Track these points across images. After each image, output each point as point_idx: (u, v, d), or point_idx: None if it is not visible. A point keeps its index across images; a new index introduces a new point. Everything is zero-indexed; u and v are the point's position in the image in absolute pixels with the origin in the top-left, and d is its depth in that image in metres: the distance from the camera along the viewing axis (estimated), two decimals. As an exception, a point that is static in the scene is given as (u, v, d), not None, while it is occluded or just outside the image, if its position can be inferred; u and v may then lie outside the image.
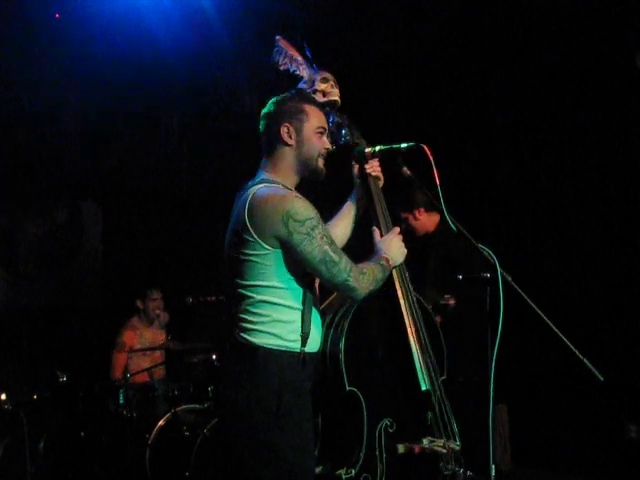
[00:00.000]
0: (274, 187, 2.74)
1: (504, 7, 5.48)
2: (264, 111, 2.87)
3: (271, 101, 2.87)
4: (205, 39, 5.89)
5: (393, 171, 3.00)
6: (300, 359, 2.73)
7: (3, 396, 5.15)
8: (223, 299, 5.77)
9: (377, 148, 3.03)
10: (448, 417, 3.16)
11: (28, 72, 5.97)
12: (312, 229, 2.63)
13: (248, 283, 2.70)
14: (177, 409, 5.19)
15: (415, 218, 4.86)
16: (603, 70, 5.43)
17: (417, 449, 3.04)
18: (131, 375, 5.62)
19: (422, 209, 4.82)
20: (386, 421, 3.02)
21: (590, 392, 5.28)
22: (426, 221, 4.85)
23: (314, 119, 2.84)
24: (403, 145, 2.93)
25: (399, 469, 3.01)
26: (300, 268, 2.71)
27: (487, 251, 2.84)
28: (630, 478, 5.01)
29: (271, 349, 2.68)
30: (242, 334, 2.72)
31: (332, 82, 3.08)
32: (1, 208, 7.00)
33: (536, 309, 2.83)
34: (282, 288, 2.70)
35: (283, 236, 2.63)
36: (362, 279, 2.72)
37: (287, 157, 2.82)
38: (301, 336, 2.73)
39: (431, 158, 2.84)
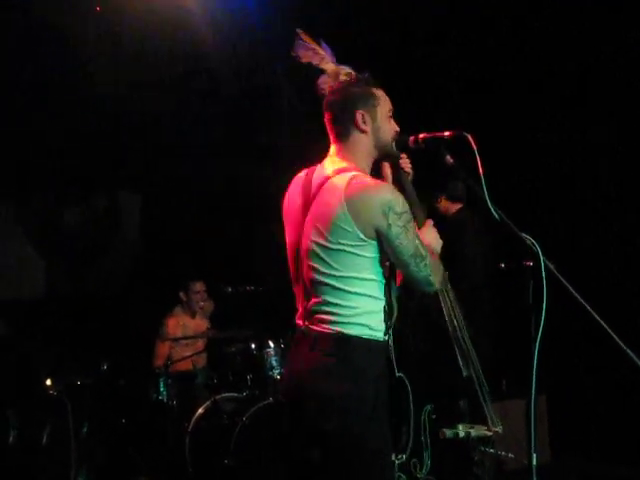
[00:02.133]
0: (363, 176, 2.70)
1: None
2: (330, 99, 2.85)
3: (335, 88, 2.86)
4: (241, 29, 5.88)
5: (436, 160, 2.98)
6: (383, 349, 2.73)
7: (48, 381, 5.24)
8: (261, 289, 5.84)
9: (421, 136, 3.02)
10: (485, 404, 3.19)
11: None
12: (408, 222, 2.63)
13: (341, 274, 2.64)
14: (217, 397, 5.25)
15: (437, 202, 5.57)
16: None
17: (461, 434, 3.10)
18: (172, 363, 5.69)
19: (444, 196, 5.52)
20: (428, 407, 3.05)
21: (633, 382, 5.26)
22: (445, 208, 5.55)
23: (385, 102, 2.84)
24: (446, 133, 2.92)
25: (441, 454, 3.05)
26: (385, 260, 2.70)
27: (530, 240, 2.82)
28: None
29: (366, 339, 2.65)
30: (331, 326, 2.65)
31: (351, 78, 3.02)
32: (39, 197, 7.10)
33: (579, 298, 2.81)
34: (373, 280, 2.67)
35: (382, 227, 2.60)
36: (437, 273, 2.75)
37: (364, 143, 2.81)
38: (385, 326, 2.72)
39: (474, 147, 2.82)
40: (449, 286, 3.20)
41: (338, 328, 2.65)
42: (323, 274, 2.67)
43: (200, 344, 6.07)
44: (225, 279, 6.13)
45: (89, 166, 7.01)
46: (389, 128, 2.85)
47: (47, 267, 7.18)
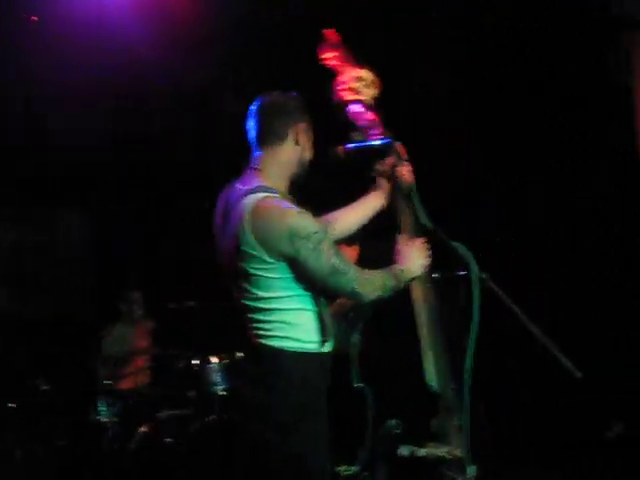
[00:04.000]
0: (273, 198, 2.64)
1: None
2: (262, 105, 2.77)
3: (270, 98, 2.78)
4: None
5: (367, 168, 2.98)
6: (319, 360, 2.70)
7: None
8: (203, 305, 5.78)
9: (351, 146, 3.00)
10: (457, 423, 3.05)
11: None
12: (318, 243, 2.56)
13: (256, 295, 2.64)
14: (159, 415, 5.17)
15: None
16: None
17: (421, 453, 2.95)
18: (114, 381, 5.59)
19: None
20: (393, 422, 2.96)
21: (570, 391, 5.31)
22: None
23: (309, 123, 2.80)
24: (377, 142, 2.92)
25: (401, 471, 2.95)
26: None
27: (462, 248, 2.83)
28: (610, 477, 5.02)
29: (293, 351, 2.63)
30: (260, 340, 2.67)
31: (367, 82, 3.00)
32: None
33: (512, 307, 2.83)
34: (291, 296, 2.64)
35: (290, 254, 2.56)
36: (368, 286, 2.67)
37: (292, 158, 2.75)
38: (319, 337, 2.69)
39: (404, 155, 2.83)
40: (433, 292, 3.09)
41: (267, 342, 2.65)
42: (243, 297, 2.68)
43: (141, 361, 5.97)
44: (168, 296, 6.05)
45: (27, 183, 6.90)
46: (310, 151, 2.81)
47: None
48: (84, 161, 6.80)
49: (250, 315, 2.69)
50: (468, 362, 2.83)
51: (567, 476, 5.17)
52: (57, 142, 6.69)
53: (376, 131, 2.98)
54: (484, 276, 2.80)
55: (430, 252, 2.91)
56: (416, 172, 2.91)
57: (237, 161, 2.83)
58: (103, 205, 7.25)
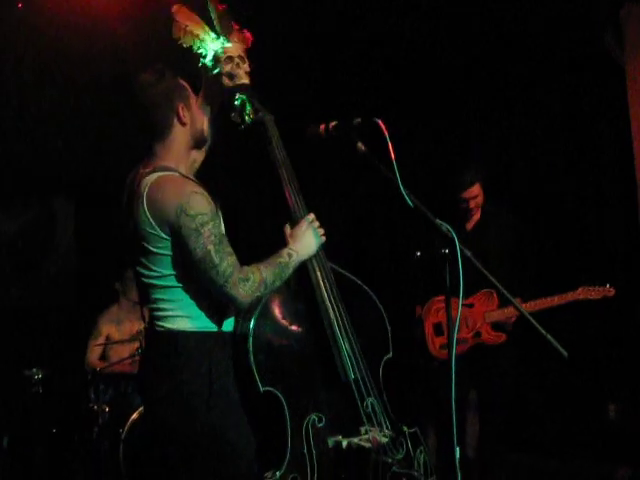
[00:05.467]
0: (170, 175, 2.65)
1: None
2: (143, 98, 2.73)
3: (142, 86, 2.74)
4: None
5: (348, 148, 2.91)
6: (220, 339, 2.68)
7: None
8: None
9: (331, 124, 2.94)
10: (381, 404, 3.06)
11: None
12: (202, 225, 2.55)
13: (154, 273, 2.63)
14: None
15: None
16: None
17: (344, 443, 2.90)
18: (110, 364, 5.59)
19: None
20: (313, 416, 2.88)
21: (569, 373, 5.27)
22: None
23: (190, 91, 2.81)
24: (356, 120, 2.86)
25: (331, 464, 2.88)
26: None
27: (445, 226, 2.76)
28: (609, 459, 4.98)
29: (191, 332, 2.62)
30: (159, 322, 2.66)
31: (238, 60, 2.98)
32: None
33: (498, 285, 2.77)
34: (187, 273, 2.62)
35: (175, 228, 2.56)
36: (243, 287, 2.59)
37: (182, 137, 2.77)
38: (216, 316, 2.68)
39: (386, 133, 2.77)
40: (330, 271, 3.04)
41: (164, 324, 2.64)
42: (141, 274, 2.67)
43: (137, 347, 5.91)
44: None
45: (23, 172, 6.84)
46: (202, 116, 2.83)
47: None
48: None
49: (149, 296, 2.67)
50: (453, 342, 2.75)
51: (566, 460, 5.15)
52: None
53: (249, 109, 3.02)
54: (468, 254, 2.73)
55: (322, 229, 2.93)
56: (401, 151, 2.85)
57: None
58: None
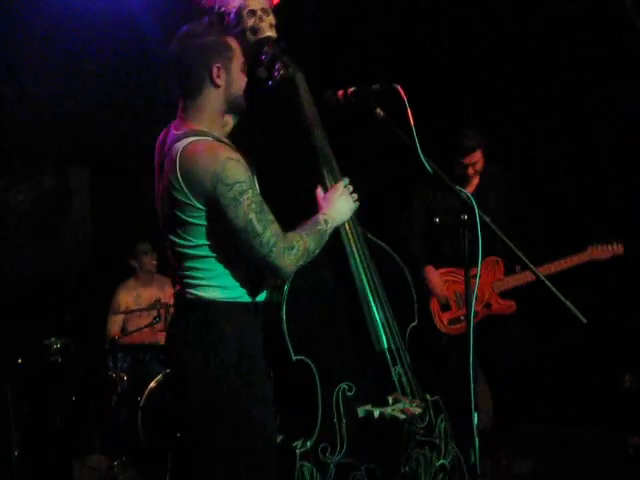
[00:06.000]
0: (204, 141, 2.53)
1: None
2: (178, 50, 2.61)
3: (182, 35, 2.63)
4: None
5: (367, 113, 2.90)
6: (252, 310, 2.61)
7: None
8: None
9: (350, 90, 2.93)
10: (412, 373, 3.06)
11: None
12: (240, 194, 2.44)
13: (187, 243, 2.55)
14: (168, 371, 5.16)
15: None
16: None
17: (376, 413, 2.87)
18: (127, 334, 5.62)
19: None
20: (343, 385, 2.87)
21: (585, 343, 5.27)
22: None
23: (239, 55, 2.65)
24: (375, 86, 2.84)
25: (361, 433, 2.87)
26: None
27: (465, 192, 2.75)
28: (624, 429, 4.98)
29: (223, 302, 2.55)
30: (190, 290, 2.58)
31: (260, 12, 2.91)
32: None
33: (517, 252, 2.76)
34: (222, 243, 2.54)
35: (211, 198, 2.46)
36: (287, 256, 2.51)
37: (216, 100, 2.62)
38: (250, 287, 2.61)
39: (405, 98, 2.75)
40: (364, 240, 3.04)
41: (197, 292, 2.57)
42: (175, 243, 2.58)
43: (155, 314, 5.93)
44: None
45: (36, 142, 6.84)
46: (243, 82, 2.67)
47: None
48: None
49: (182, 263, 2.59)
50: (471, 314, 2.72)
51: (581, 430, 5.15)
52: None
53: (278, 65, 2.96)
54: (487, 219, 2.72)
55: (355, 195, 2.84)
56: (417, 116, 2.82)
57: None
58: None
